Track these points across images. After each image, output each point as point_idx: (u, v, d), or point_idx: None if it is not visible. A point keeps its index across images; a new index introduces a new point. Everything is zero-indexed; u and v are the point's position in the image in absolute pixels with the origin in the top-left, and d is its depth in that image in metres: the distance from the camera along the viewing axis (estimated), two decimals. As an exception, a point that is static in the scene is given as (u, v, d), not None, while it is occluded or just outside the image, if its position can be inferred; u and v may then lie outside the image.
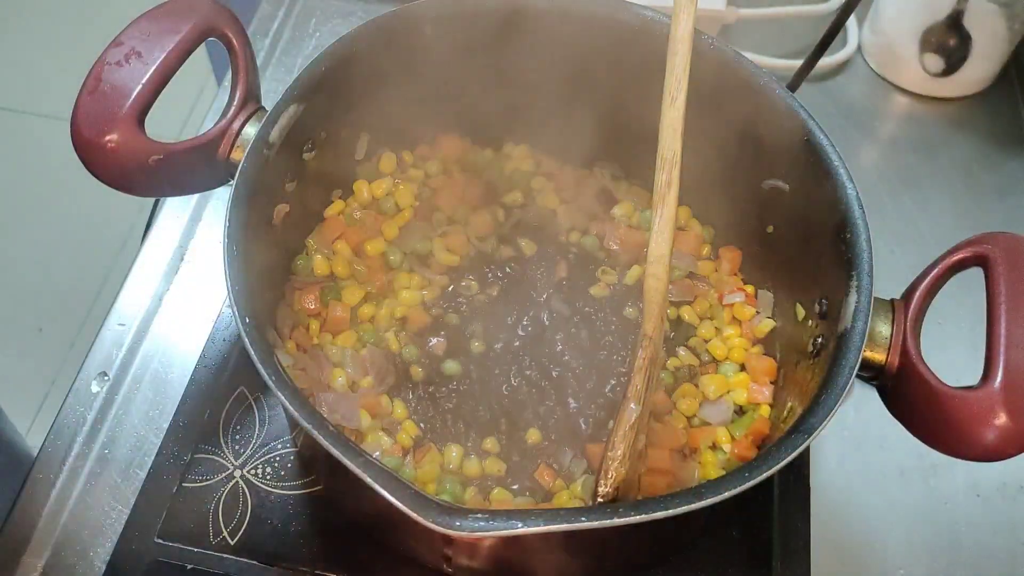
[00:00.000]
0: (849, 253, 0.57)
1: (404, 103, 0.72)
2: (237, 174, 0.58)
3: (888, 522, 0.68)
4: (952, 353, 0.63)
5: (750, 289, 0.72)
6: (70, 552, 0.63)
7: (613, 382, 0.67)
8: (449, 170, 0.77)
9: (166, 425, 0.68)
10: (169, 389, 0.71)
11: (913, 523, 0.68)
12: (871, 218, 0.58)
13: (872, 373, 0.56)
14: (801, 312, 0.64)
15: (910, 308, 0.56)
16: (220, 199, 0.83)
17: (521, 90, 0.73)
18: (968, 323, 0.77)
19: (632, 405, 0.55)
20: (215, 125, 0.63)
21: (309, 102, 0.63)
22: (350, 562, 0.62)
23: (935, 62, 0.92)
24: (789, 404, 0.62)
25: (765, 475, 0.48)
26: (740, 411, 0.67)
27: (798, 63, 0.84)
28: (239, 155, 0.62)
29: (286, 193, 0.65)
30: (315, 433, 0.48)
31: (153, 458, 0.66)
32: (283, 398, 0.49)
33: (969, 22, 0.88)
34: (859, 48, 0.99)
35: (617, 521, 0.46)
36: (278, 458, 0.66)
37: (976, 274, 0.56)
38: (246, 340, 0.51)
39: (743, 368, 0.69)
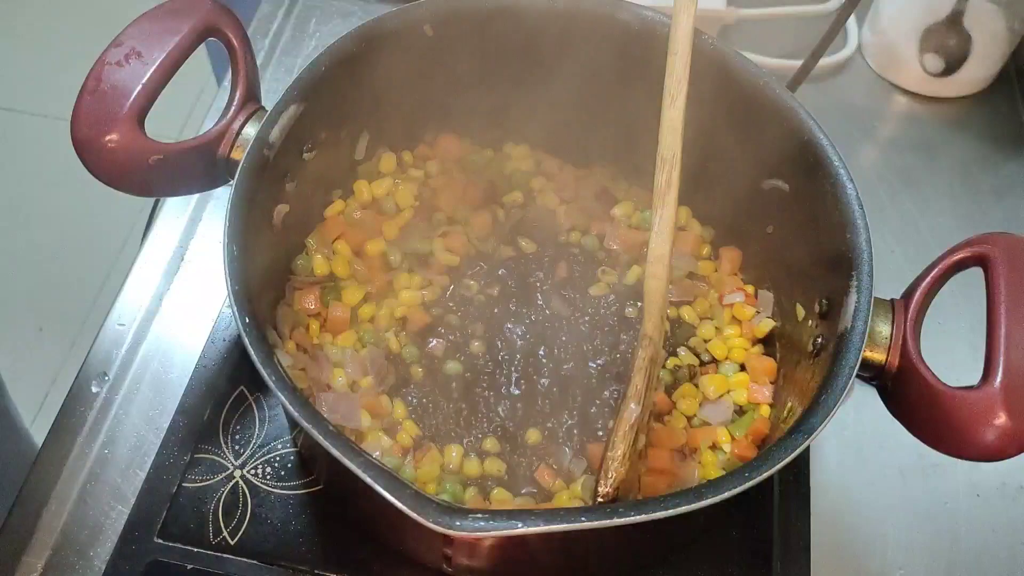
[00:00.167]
0: (849, 253, 0.57)
1: (404, 103, 0.72)
2: (237, 174, 0.58)
3: (888, 522, 0.68)
4: (952, 353, 0.64)
5: (750, 289, 0.72)
6: (70, 552, 0.63)
7: (613, 382, 0.67)
8: (449, 170, 0.77)
9: (166, 425, 0.68)
10: (169, 389, 0.71)
11: (913, 523, 0.68)
12: (871, 218, 0.58)
13: (872, 373, 0.56)
14: (801, 312, 0.64)
15: (910, 308, 0.56)
16: (220, 199, 0.82)
17: (521, 90, 0.73)
18: (968, 323, 0.77)
19: (632, 405, 0.55)
20: (215, 125, 0.63)
21: (309, 102, 0.63)
22: (350, 562, 0.62)
23: (935, 62, 0.92)
24: (789, 404, 0.62)
25: (765, 475, 0.48)
26: (740, 411, 0.67)
27: (798, 63, 0.84)
28: (239, 155, 0.62)
29: (286, 193, 0.65)
30: (315, 433, 0.48)
31: (153, 458, 0.66)
32: (283, 398, 0.49)
33: (969, 22, 0.88)
34: (859, 48, 0.98)
35: (617, 521, 0.46)
36: (278, 458, 0.66)
37: (976, 274, 0.56)
38: (246, 340, 0.51)
39: (743, 368, 0.69)
